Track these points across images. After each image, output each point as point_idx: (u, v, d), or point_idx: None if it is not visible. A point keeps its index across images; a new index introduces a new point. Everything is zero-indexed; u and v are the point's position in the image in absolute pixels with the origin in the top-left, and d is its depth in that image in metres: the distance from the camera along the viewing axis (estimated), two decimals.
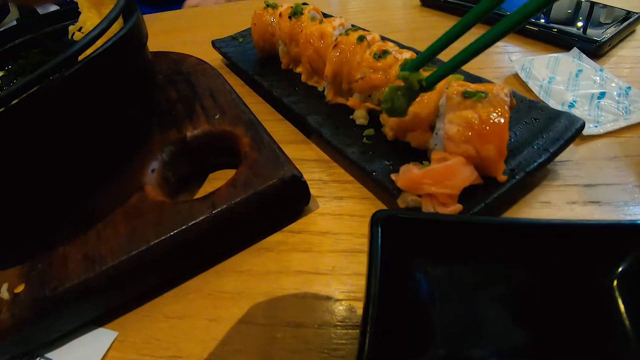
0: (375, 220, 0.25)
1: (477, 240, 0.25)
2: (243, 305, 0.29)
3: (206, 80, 0.44)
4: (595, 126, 0.37)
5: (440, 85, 0.32)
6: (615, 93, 0.40)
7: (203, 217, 0.29)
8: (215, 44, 0.58)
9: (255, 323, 0.28)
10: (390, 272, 0.24)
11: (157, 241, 0.28)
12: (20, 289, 0.29)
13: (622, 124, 0.37)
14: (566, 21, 0.51)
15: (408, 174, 0.29)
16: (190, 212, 0.30)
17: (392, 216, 0.25)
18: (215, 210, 0.29)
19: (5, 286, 0.29)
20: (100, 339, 0.29)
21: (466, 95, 0.29)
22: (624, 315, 0.23)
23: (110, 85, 0.32)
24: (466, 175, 0.27)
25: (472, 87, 0.31)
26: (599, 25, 0.49)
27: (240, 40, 0.58)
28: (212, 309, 0.29)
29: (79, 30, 0.41)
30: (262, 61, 0.52)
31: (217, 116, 0.38)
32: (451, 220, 0.25)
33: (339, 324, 0.27)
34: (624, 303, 0.23)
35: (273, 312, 0.28)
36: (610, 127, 0.37)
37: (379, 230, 0.25)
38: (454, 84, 0.31)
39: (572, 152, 0.35)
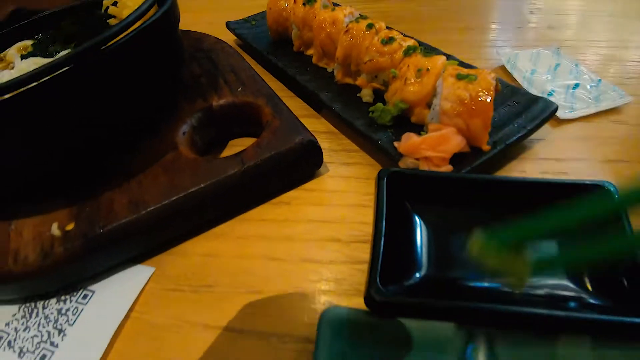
0: (382, 175, 0.30)
1: (463, 192, 0.30)
2: (265, 246, 0.34)
3: (226, 57, 0.49)
4: (570, 111, 0.43)
5: (438, 68, 0.37)
6: (588, 85, 0.46)
7: (234, 170, 0.34)
8: (229, 26, 0.62)
9: (276, 259, 0.33)
10: (393, 215, 0.29)
11: (194, 189, 0.33)
12: (70, 227, 0.33)
13: (592, 110, 0.43)
14: None
15: (409, 141, 0.34)
16: (223, 166, 0.35)
17: (395, 172, 0.31)
18: (245, 166, 0.34)
19: (55, 225, 0.33)
20: (139, 273, 0.34)
21: (459, 77, 0.35)
22: None
23: (144, 62, 0.36)
24: (456, 143, 0.33)
25: (464, 71, 0.36)
26: None
27: (253, 23, 0.63)
28: (239, 248, 0.34)
29: (114, 4, 0.45)
30: (274, 43, 0.56)
31: (239, 89, 0.43)
32: (443, 175, 0.31)
33: (346, 261, 0.32)
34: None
35: (291, 251, 0.33)
36: (583, 112, 0.43)
37: (385, 181, 0.30)
38: (449, 68, 0.37)
39: (548, 132, 0.41)
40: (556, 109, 0.39)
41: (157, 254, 0.35)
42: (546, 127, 0.41)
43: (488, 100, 0.33)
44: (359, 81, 0.44)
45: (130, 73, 0.35)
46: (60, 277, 0.33)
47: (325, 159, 0.41)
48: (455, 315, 0.24)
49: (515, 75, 0.48)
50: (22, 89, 0.28)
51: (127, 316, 0.31)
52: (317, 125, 0.45)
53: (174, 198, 0.33)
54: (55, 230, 0.33)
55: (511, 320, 0.23)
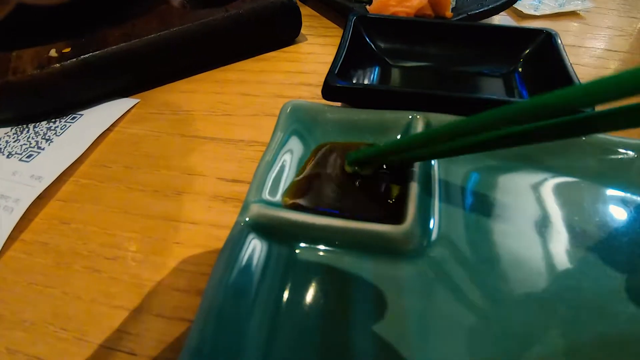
0: (351, 16, 0.34)
1: (417, 32, 0.34)
2: (242, 86, 0.37)
3: None
4: (534, 10, 0.46)
5: None
6: None
7: (219, 15, 0.37)
8: None
9: (250, 95, 0.36)
10: (356, 45, 0.32)
11: (180, 27, 0.37)
12: (67, 50, 0.36)
13: (556, 10, 0.47)
14: None
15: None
16: (209, 13, 0.38)
17: (363, 15, 0.34)
18: (228, 13, 0.38)
19: (53, 50, 0.36)
20: (125, 102, 0.37)
21: None
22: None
23: None
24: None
25: None
26: None
27: None
28: (218, 87, 0.37)
29: None
30: None
31: None
32: (402, 19, 0.34)
33: (314, 97, 0.35)
34: (523, 79, 0.32)
35: (265, 90, 0.37)
36: (546, 11, 0.46)
37: (352, 20, 0.33)
38: None
39: (513, 24, 0.45)
40: None
41: (143, 90, 0.38)
42: (510, 21, 0.44)
43: None
44: None
45: None
46: (53, 94, 0.35)
47: (305, 32, 0.44)
48: (396, 99, 0.27)
49: None
50: None
51: (110, 130, 0.34)
52: (301, 11, 0.48)
53: (162, 32, 0.36)
54: (53, 52, 0.36)
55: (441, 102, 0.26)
